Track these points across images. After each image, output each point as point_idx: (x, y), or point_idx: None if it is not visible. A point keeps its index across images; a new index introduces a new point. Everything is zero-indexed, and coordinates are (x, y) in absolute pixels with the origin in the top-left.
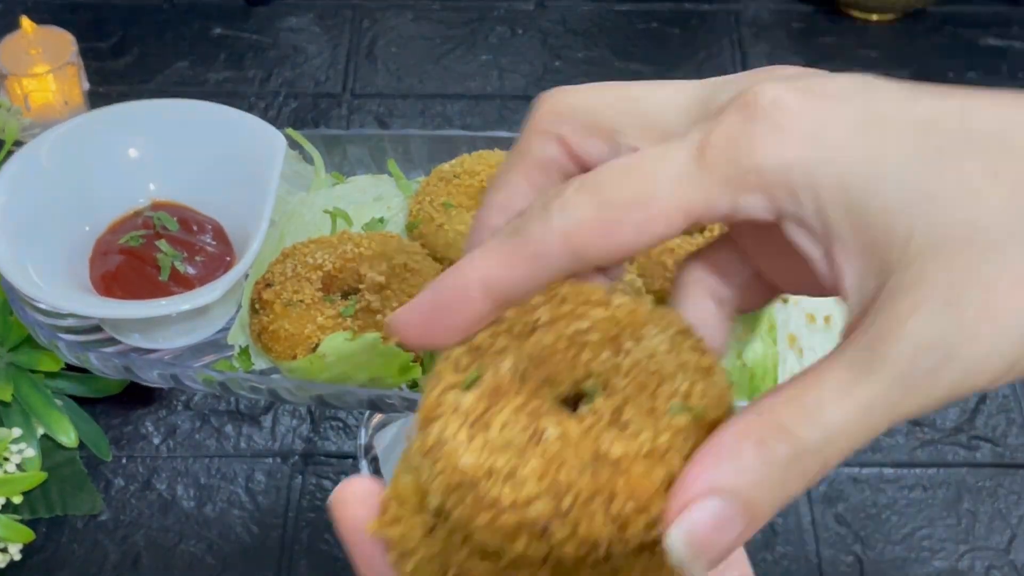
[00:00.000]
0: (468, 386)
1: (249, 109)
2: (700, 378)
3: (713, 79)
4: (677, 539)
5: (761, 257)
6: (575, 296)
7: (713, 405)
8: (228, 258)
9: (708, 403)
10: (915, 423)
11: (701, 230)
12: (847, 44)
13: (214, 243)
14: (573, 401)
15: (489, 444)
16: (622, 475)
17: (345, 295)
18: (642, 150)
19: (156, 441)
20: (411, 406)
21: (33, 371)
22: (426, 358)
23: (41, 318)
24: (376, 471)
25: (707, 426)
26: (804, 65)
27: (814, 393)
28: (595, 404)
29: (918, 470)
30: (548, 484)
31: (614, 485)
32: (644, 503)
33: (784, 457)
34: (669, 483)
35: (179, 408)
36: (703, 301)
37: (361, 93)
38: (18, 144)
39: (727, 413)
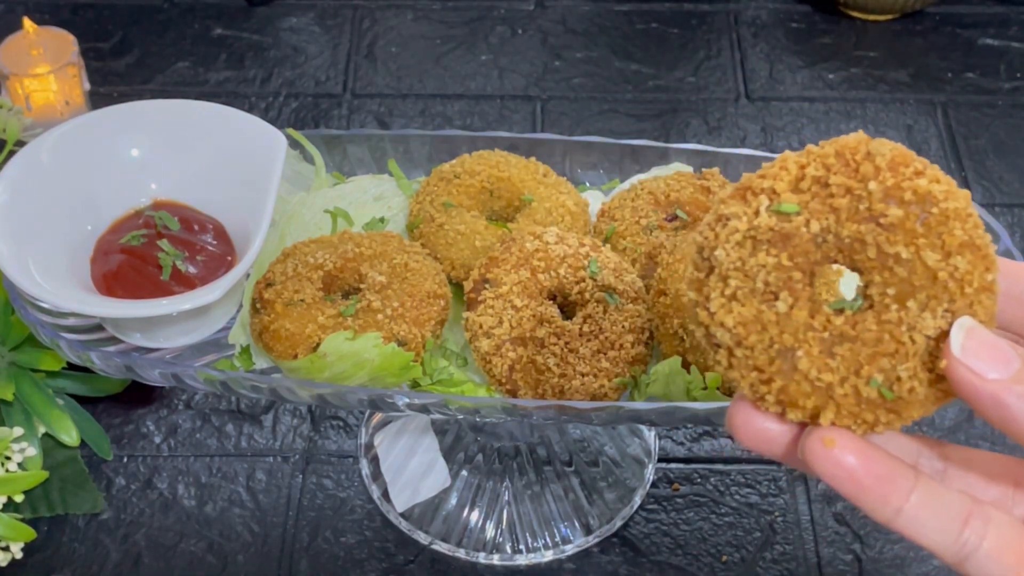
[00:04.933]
0: (778, 209)
1: (249, 109)
2: (924, 379)
3: None
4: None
5: None
6: (937, 223)
7: (909, 403)
8: (229, 258)
9: (906, 399)
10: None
11: None
12: (846, 44)
13: (215, 243)
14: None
15: (743, 263)
16: (786, 379)
17: (346, 295)
18: None
19: (157, 440)
20: (411, 405)
21: (34, 370)
22: (426, 358)
23: (43, 317)
24: (376, 470)
25: (890, 411)
26: (803, 65)
27: None
28: (834, 317)
29: None
30: (740, 332)
31: (774, 379)
32: (782, 406)
33: None
34: (811, 414)
35: (180, 407)
36: None
37: (361, 93)
38: (19, 144)
39: (917, 414)
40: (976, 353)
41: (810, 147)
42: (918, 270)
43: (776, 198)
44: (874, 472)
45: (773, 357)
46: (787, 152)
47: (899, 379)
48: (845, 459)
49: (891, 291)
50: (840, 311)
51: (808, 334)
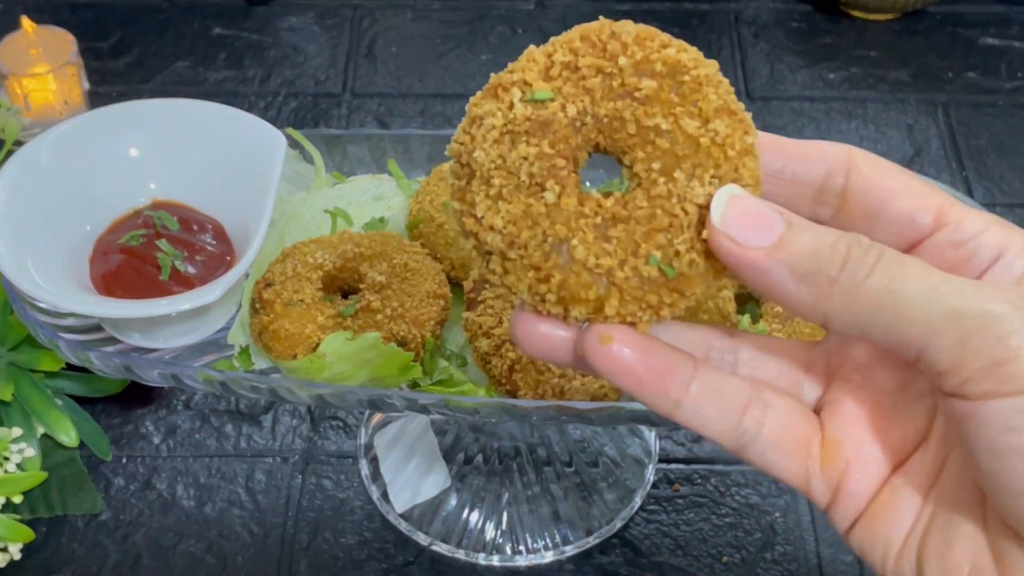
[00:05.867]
0: (532, 99)
1: (249, 109)
2: (701, 250)
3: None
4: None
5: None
6: (691, 91)
7: (691, 278)
8: (228, 258)
9: (688, 274)
10: None
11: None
12: (846, 44)
13: (214, 243)
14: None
15: (504, 160)
16: (564, 273)
17: (345, 295)
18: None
19: (156, 441)
20: (411, 406)
21: (33, 370)
22: (426, 358)
23: (41, 317)
24: (376, 471)
25: (672, 290)
26: (804, 64)
27: None
28: (604, 200)
29: None
30: (510, 231)
31: (552, 274)
32: (564, 303)
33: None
34: (595, 306)
35: (179, 408)
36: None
37: (361, 93)
38: (18, 144)
39: (700, 290)
40: (737, 221)
41: (553, 38)
42: (679, 139)
43: (528, 88)
44: (652, 366)
45: (548, 252)
46: (531, 46)
47: (677, 254)
48: (622, 354)
49: (656, 165)
50: (609, 194)
51: (580, 222)
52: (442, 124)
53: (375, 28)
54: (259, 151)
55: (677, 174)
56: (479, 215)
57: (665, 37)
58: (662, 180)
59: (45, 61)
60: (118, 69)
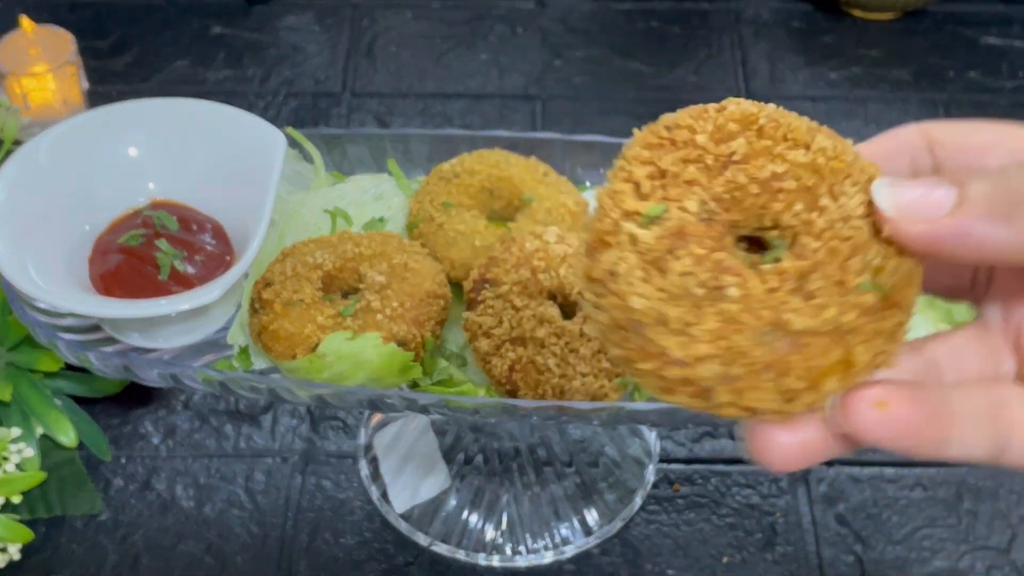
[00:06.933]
0: (650, 221)
1: (249, 108)
2: (893, 253)
3: None
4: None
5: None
6: (774, 130)
7: (902, 284)
8: (228, 257)
9: (897, 282)
10: None
11: None
12: (847, 43)
13: (214, 242)
14: (755, 243)
15: (667, 290)
16: (799, 351)
17: (345, 295)
18: None
19: (155, 441)
20: (411, 406)
21: (32, 370)
22: (426, 358)
23: (40, 317)
24: (376, 471)
25: (892, 305)
26: (805, 64)
27: None
28: (782, 264)
29: (918, 470)
30: (722, 347)
31: (789, 360)
32: (815, 382)
33: None
34: (845, 365)
35: (178, 408)
36: None
37: (361, 92)
38: (17, 143)
39: (913, 293)
40: (912, 201)
41: (617, 161)
42: (800, 173)
43: (636, 217)
44: (931, 415)
45: (770, 342)
46: (608, 177)
47: (879, 268)
48: (901, 416)
49: (799, 206)
50: (778, 259)
51: (777, 296)
52: (442, 124)
53: (375, 28)
54: (259, 151)
55: (823, 202)
56: (679, 357)
57: (713, 106)
58: (815, 215)
59: (44, 60)
60: (117, 68)
